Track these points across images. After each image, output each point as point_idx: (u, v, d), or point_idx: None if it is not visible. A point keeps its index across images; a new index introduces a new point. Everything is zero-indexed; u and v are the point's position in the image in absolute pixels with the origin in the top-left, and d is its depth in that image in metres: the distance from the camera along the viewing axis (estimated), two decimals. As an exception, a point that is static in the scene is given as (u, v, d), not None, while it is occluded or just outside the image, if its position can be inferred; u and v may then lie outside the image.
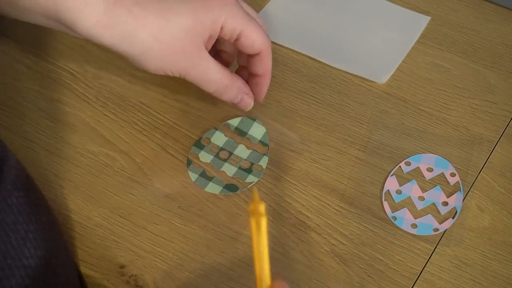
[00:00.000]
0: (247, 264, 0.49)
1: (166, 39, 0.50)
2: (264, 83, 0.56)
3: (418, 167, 0.55)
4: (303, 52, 0.63)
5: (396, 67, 0.62)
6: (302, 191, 0.53)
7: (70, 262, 0.50)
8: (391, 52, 0.63)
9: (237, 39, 0.53)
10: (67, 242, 0.51)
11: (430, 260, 0.50)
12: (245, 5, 0.56)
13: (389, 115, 0.58)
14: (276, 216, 0.52)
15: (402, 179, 0.54)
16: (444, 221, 0.52)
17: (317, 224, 0.51)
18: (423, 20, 0.66)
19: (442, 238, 0.51)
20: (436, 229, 0.51)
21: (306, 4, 0.68)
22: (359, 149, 0.56)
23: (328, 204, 0.53)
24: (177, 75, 0.52)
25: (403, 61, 0.62)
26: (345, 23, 0.66)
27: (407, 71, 0.62)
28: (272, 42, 0.64)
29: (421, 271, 0.49)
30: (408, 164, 0.55)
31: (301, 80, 0.61)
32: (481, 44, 0.64)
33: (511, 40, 0.64)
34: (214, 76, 0.53)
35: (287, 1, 0.68)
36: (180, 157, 0.56)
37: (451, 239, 0.51)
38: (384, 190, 0.53)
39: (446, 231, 0.51)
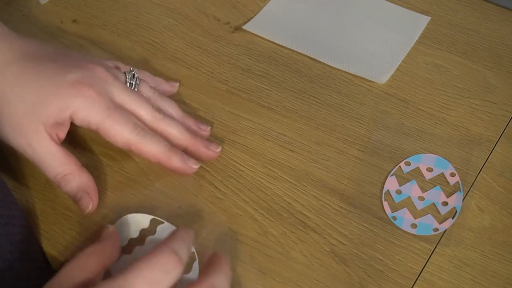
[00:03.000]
0: (247, 264, 0.49)
1: (5, 111, 0.49)
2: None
3: (418, 167, 0.55)
4: (303, 52, 0.63)
5: (396, 67, 0.62)
6: (302, 191, 0.53)
7: (42, 250, 0.51)
8: (391, 52, 0.63)
9: (98, 133, 0.51)
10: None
11: (430, 260, 0.50)
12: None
13: (389, 115, 0.58)
14: (276, 216, 0.52)
15: (402, 179, 0.54)
16: (444, 221, 0.52)
17: (317, 224, 0.51)
18: (423, 20, 0.66)
19: (442, 238, 0.51)
20: (436, 229, 0.51)
21: (306, 4, 0.68)
22: (359, 149, 0.56)
23: (328, 204, 0.53)
24: (18, 151, 0.50)
25: (403, 61, 0.62)
26: (345, 23, 0.66)
27: (407, 71, 0.62)
28: (272, 42, 0.64)
29: (421, 271, 0.49)
30: (408, 164, 0.55)
31: (301, 80, 0.61)
32: (481, 44, 0.64)
33: (511, 40, 0.64)
34: (50, 162, 0.50)
35: (287, 1, 0.68)
36: (180, 157, 0.55)
37: (451, 239, 0.51)
38: (384, 190, 0.53)
39: (446, 231, 0.51)
